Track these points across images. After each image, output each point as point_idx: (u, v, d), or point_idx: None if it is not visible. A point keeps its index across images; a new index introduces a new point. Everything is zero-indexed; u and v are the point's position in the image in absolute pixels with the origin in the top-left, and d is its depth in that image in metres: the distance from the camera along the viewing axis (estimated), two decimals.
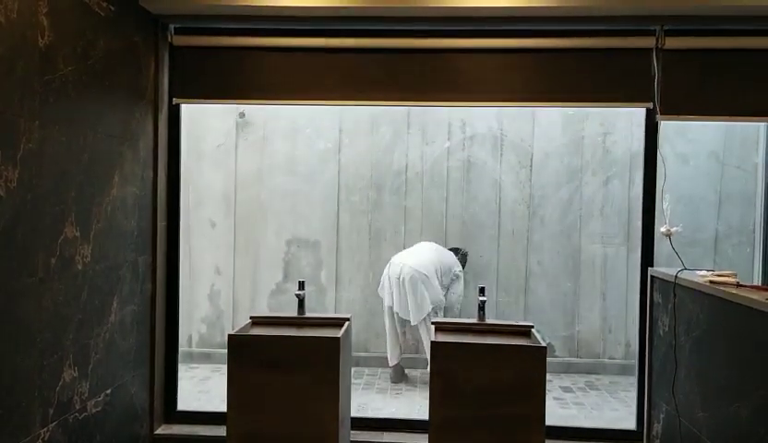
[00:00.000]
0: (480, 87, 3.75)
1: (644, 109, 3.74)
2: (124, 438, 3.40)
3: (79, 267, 2.90)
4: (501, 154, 5.56)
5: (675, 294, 3.32)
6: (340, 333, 3.04)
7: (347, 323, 3.28)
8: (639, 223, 3.85)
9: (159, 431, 3.79)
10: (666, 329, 3.44)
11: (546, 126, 5.52)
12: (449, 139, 5.58)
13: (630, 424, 3.92)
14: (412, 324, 5.03)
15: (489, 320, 3.34)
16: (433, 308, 4.98)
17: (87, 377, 3.00)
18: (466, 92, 3.76)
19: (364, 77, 3.78)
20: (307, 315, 3.43)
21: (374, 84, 3.77)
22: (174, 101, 3.82)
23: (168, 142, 3.84)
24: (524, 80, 3.73)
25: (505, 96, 3.77)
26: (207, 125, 5.58)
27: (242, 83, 3.81)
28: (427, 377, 3.00)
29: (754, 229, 5.22)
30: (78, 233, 2.88)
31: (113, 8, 3.14)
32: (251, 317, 3.38)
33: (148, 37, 3.58)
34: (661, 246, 3.83)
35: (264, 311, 5.55)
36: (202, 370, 5.44)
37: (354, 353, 4.72)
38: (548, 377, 3.06)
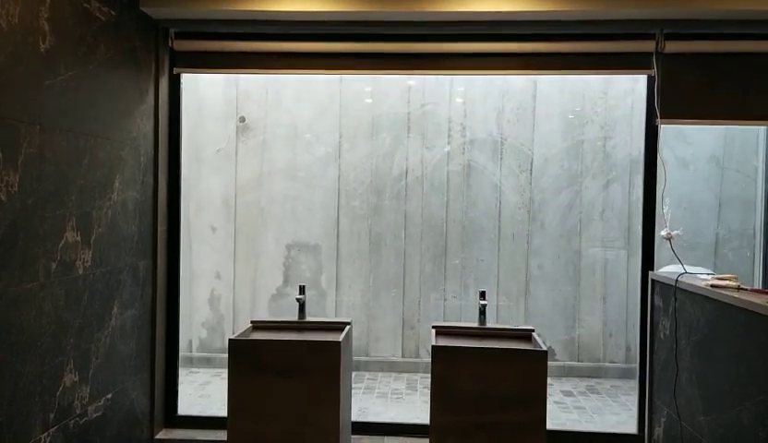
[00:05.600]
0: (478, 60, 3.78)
1: (644, 111, 3.75)
2: None
3: (80, 271, 2.90)
4: (501, 158, 5.56)
5: (675, 298, 3.32)
6: (340, 337, 3.04)
7: (348, 327, 3.28)
8: (639, 227, 3.86)
9: (159, 436, 3.79)
10: (667, 332, 3.44)
11: (546, 131, 5.53)
12: (448, 144, 5.59)
13: (632, 428, 3.91)
14: None
15: (490, 324, 3.34)
16: None
17: (87, 382, 2.99)
18: (464, 62, 3.78)
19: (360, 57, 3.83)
20: (308, 319, 3.43)
21: (370, 59, 3.82)
22: (175, 70, 3.82)
23: (168, 147, 3.84)
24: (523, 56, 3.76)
25: (504, 66, 3.79)
26: (207, 131, 5.59)
27: (240, 55, 3.84)
28: (428, 382, 2.99)
29: (754, 233, 5.22)
30: (78, 238, 2.88)
31: (113, 13, 3.15)
32: (252, 322, 3.39)
33: (148, 41, 3.58)
34: (661, 250, 3.83)
35: (264, 315, 5.54)
36: (203, 375, 5.43)
37: (355, 358, 4.72)
38: (549, 380, 3.06)
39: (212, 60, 3.84)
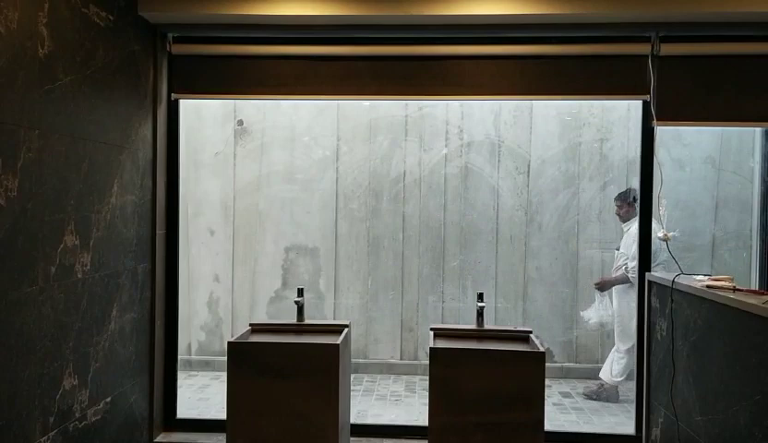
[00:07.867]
0: (477, 83, 3.78)
1: (641, 112, 3.76)
2: None
3: (79, 275, 2.91)
4: (499, 161, 5.58)
5: (672, 299, 3.33)
6: (339, 340, 3.05)
7: (346, 330, 3.29)
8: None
9: (158, 439, 3.79)
10: (664, 333, 3.46)
11: (543, 133, 5.54)
12: (446, 146, 5.60)
13: (629, 428, 3.92)
14: None
15: (488, 326, 3.35)
16: None
17: (87, 386, 3.00)
18: (463, 87, 3.78)
19: (360, 77, 3.81)
20: (306, 322, 3.43)
21: (370, 81, 3.81)
22: (173, 96, 3.84)
23: (167, 151, 3.85)
24: (522, 78, 3.76)
25: (502, 90, 3.79)
26: (205, 134, 5.60)
27: (239, 80, 3.84)
28: (427, 384, 3.00)
29: (751, 233, 5.23)
30: (77, 242, 2.88)
31: (111, 18, 3.16)
32: (250, 325, 3.39)
33: (146, 46, 3.60)
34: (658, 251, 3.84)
35: (263, 318, 5.55)
36: (201, 378, 5.43)
37: (354, 360, 4.73)
38: (547, 382, 3.07)
39: (211, 84, 3.86)
